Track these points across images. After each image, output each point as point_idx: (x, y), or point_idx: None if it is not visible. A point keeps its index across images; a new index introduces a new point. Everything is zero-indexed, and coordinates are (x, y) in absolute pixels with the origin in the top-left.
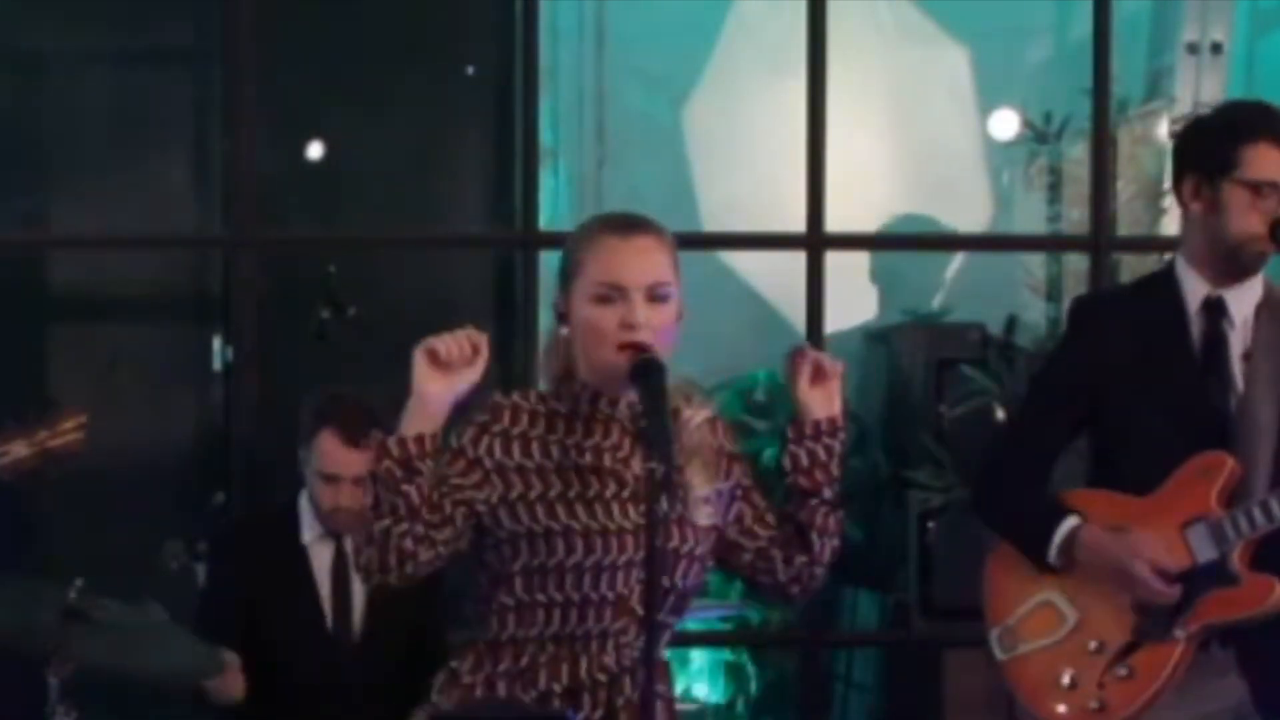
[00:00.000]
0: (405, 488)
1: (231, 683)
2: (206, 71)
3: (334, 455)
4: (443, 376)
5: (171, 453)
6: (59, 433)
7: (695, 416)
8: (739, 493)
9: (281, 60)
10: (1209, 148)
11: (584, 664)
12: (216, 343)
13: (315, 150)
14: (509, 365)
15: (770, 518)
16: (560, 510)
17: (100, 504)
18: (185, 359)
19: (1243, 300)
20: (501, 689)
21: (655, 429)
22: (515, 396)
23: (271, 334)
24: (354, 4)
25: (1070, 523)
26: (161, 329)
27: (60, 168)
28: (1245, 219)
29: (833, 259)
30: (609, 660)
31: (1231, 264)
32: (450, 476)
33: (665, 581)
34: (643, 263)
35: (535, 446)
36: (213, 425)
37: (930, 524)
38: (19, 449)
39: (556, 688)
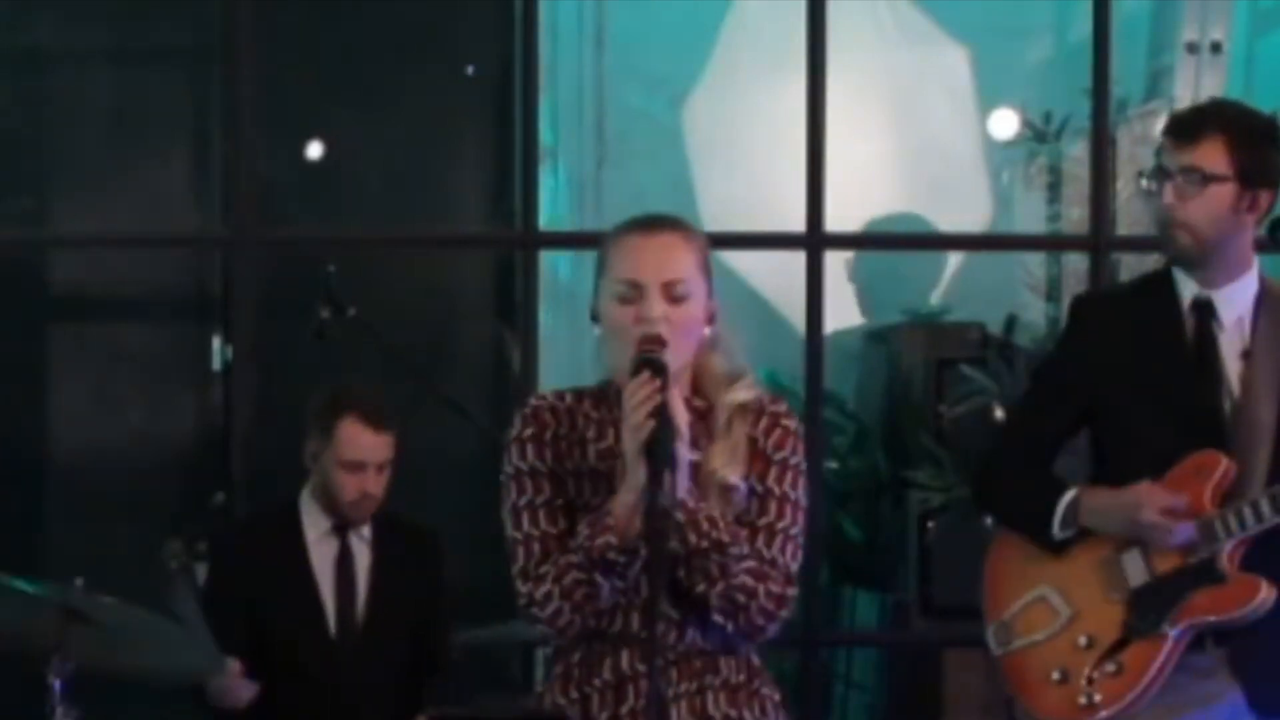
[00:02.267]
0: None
1: (233, 688)
2: (206, 71)
3: (359, 441)
4: None
5: (171, 453)
6: None
7: (731, 398)
8: (753, 489)
9: (281, 60)
10: None
11: (625, 658)
12: (216, 342)
13: (315, 150)
14: (509, 365)
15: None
16: (573, 519)
17: (100, 504)
18: (185, 358)
19: (1233, 300)
20: (558, 689)
21: (656, 430)
22: (550, 397)
23: (271, 334)
24: (354, 4)
25: (1071, 493)
26: (161, 329)
27: (60, 167)
28: (1159, 204)
29: (833, 259)
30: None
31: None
32: (539, 501)
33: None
34: (660, 259)
35: (575, 450)
36: (213, 425)
37: (930, 524)
38: None
39: (598, 683)
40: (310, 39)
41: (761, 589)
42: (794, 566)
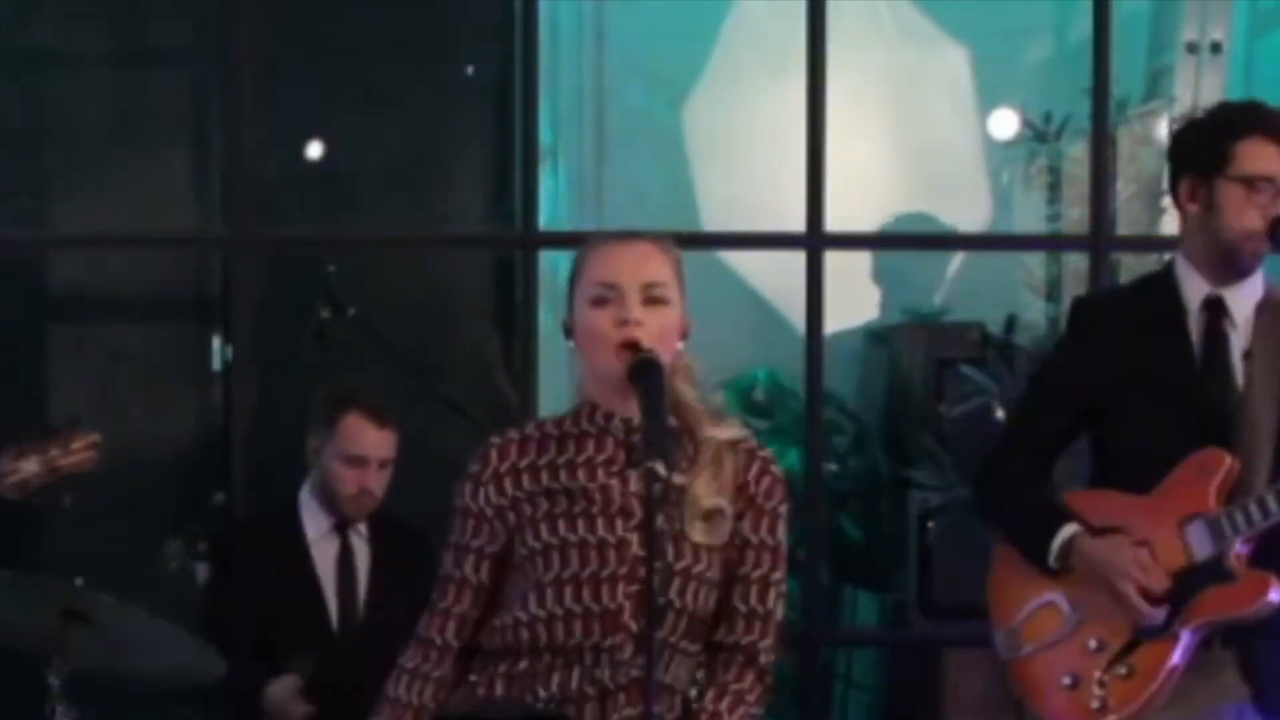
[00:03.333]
0: None
1: (291, 705)
2: (206, 71)
3: (363, 436)
4: None
5: (171, 453)
6: (71, 451)
7: (720, 434)
8: (738, 541)
9: (281, 60)
10: (1202, 146)
11: (575, 676)
12: (216, 342)
13: (315, 150)
14: (509, 365)
15: (739, 598)
16: (544, 528)
17: (100, 504)
18: (185, 359)
19: (1243, 300)
20: (499, 689)
21: (653, 428)
22: (509, 433)
23: (271, 334)
24: (354, 4)
25: (1068, 531)
26: (161, 329)
27: (60, 167)
28: (1241, 216)
29: (833, 259)
30: (602, 675)
31: (1230, 263)
32: (469, 544)
33: (663, 599)
34: (638, 262)
35: (524, 477)
36: (213, 425)
37: (930, 524)
38: (29, 466)
39: (542, 694)
40: (310, 39)
41: (756, 699)
42: (781, 615)
